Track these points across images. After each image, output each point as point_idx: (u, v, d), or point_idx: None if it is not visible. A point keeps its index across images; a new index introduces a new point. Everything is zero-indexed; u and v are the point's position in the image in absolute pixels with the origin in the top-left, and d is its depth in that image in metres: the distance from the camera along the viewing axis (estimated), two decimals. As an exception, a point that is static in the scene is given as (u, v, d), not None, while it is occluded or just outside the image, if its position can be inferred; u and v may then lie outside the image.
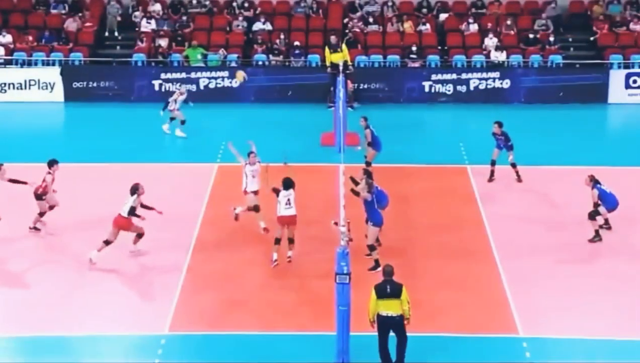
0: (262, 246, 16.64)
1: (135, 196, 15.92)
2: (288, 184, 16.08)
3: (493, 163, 20.04)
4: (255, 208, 17.12)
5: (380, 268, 15.42)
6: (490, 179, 20.01)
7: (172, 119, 23.56)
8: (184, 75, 27.05)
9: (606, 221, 17.34)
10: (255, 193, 17.22)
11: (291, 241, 16.08)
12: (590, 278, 15.45)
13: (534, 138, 23.43)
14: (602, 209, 17.21)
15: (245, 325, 14.19)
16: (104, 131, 24.29)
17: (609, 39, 28.34)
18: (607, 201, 17.20)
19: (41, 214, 17.31)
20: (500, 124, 19.90)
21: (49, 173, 17.16)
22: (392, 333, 12.67)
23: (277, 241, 15.97)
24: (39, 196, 17.12)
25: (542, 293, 15.10)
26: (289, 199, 15.92)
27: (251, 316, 14.46)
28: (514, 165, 19.82)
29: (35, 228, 17.32)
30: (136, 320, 14.33)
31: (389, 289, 12.47)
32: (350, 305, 12.62)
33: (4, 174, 16.95)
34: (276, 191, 16.07)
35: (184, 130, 23.31)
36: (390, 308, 12.42)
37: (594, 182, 17.37)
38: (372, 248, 15.85)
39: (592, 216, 17.23)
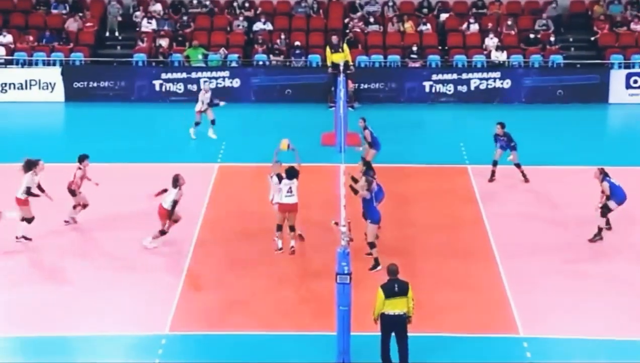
0: (263, 246, 16.62)
1: (177, 189, 16.20)
2: (292, 173, 16.14)
3: (495, 163, 20.00)
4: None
5: (380, 267, 15.50)
6: (491, 180, 20.00)
7: (197, 124, 22.90)
8: (184, 75, 27.06)
9: (607, 221, 17.27)
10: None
11: (292, 228, 16.09)
12: (590, 278, 15.44)
13: (535, 138, 23.41)
14: (611, 203, 16.91)
15: (245, 325, 14.18)
16: (104, 131, 24.30)
17: (609, 39, 28.33)
18: (616, 194, 16.94)
19: (75, 207, 17.56)
20: (502, 125, 19.84)
21: (79, 168, 17.40)
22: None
23: (279, 227, 16.10)
24: (72, 192, 17.35)
25: (543, 293, 15.09)
26: (290, 188, 16.03)
27: (252, 316, 14.46)
28: (518, 165, 19.71)
29: (72, 220, 17.58)
30: (137, 320, 14.32)
31: (397, 288, 12.47)
32: (351, 305, 12.63)
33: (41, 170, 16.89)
34: (279, 177, 16.15)
35: (216, 131, 22.98)
36: (396, 306, 12.43)
37: (604, 175, 17.11)
38: (372, 245, 15.86)
39: (604, 212, 16.92)
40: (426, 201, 19.09)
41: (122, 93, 27.00)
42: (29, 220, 16.70)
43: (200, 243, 17.08)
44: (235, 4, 29.80)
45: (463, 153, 22.13)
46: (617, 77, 26.79)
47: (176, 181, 16.24)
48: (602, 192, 17.07)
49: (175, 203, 16.18)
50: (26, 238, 16.81)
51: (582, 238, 17.01)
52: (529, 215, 18.31)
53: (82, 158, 17.53)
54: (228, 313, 14.58)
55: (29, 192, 16.49)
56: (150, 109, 26.50)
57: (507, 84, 26.80)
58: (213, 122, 22.80)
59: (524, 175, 19.77)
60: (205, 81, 24.05)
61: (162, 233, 16.41)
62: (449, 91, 26.86)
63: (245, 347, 13.56)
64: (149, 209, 18.23)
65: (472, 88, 26.86)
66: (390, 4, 29.66)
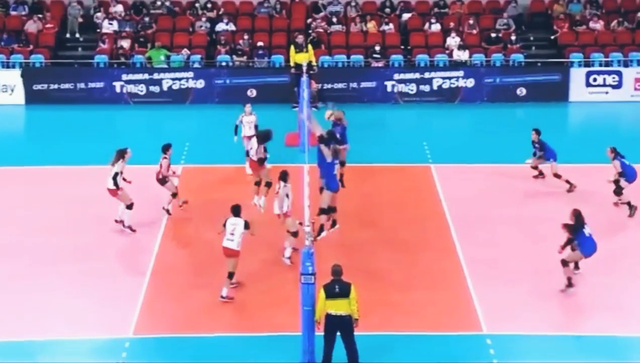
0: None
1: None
2: (237, 211, 14.75)
3: (534, 168, 19.96)
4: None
5: (324, 233, 16.05)
6: (537, 176, 19.99)
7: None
8: (146, 76, 26.88)
9: (629, 205, 17.96)
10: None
11: (230, 275, 14.64)
12: (553, 274, 15.57)
13: (497, 136, 23.63)
14: (623, 182, 17.83)
15: (209, 327, 14.13)
16: (65, 134, 24.07)
17: (569, 38, 28.64)
18: (628, 173, 17.90)
19: (173, 195, 17.94)
20: (537, 132, 19.75)
21: (165, 157, 17.73)
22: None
23: (230, 275, 14.68)
24: (162, 181, 17.78)
25: (506, 290, 15.21)
26: (234, 230, 14.56)
27: (216, 318, 14.41)
28: (556, 176, 19.43)
29: (178, 205, 18.03)
30: (100, 323, 14.22)
31: (337, 288, 12.45)
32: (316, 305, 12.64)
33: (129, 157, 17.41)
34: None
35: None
36: (339, 307, 12.41)
37: (615, 153, 18.00)
38: (324, 211, 16.16)
39: (618, 192, 17.87)
40: (390, 200, 19.15)
41: (83, 95, 26.72)
42: (130, 206, 17.12)
43: (164, 245, 17.00)
44: (197, 4, 29.67)
45: (426, 152, 22.24)
46: (577, 75, 27.09)
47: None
48: (615, 169, 17.99)
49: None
50: (132, 229, 17.21)
51: (545, 234, 17.16)
52: (492, 213, 18.43)
53: (165, 148, 17.83)
54: (192, 315, 14.51)
55: (115, 178, 16.95)
56: (112, 111, 26.30)
57: (469, 83, 26.98)
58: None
59: (568, 183, 19.34)
60: (247, 103, 20.95)
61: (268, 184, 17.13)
62: (412, 90, 26.98)
63: (210, 349, 13.52)
64: (111, 210, 18.11)
65: (435, 87, 26.99)
66: (353, 4, 29.72)
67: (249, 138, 19.85)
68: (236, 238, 14.56)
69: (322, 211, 16.21)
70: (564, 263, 15.07)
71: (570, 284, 15.06)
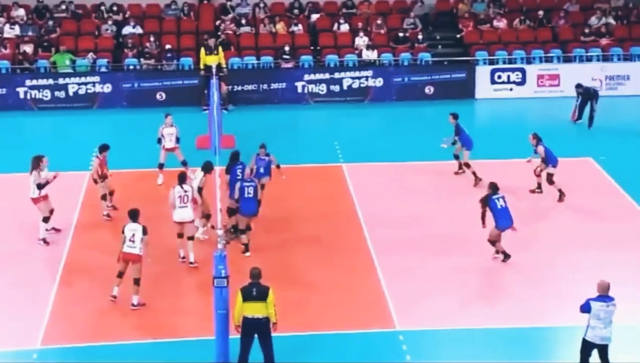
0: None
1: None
2: (135, 215, 14.59)
3: (455, 157, 20.14)
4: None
5: (249, 253, 16.11)
6: (457, 172, 20.23)
7: (161, 166, 19.75)
8: (51, 81, 26.28)
9: (539, 185, 18.82)
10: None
11: (136, 282, 14.42)
12: (466, 268, 15.86)
13: (407, 135, 23.94)
14: (550, 168, 18.38)
15: (119, 335, 13.90)
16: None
17: (474, 36, 29.25)
18: (551, 158, 18.48)
19: (103, 197, 17.97)
20: (453, 116, 20.00)
21: (97, 157, 17.86)
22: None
23: (120, 274, 14.58)
24: (96, 181, 17.87)
25: (418, 286, 15.41)
26: (134, 235, 14.40)
27: (127, 326, 14.18)
28: (466, 165, 19.71)
29: (113, 207, 18.10)
30: (8, 335, 13.82)
31: (255, 292, 12.41)
32: (229, 308, 12.58)
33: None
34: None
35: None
36: (256, 310, 12.37)
37: (537, 140, 18.50)
38: (236, 229, 16.45)
39: (550, 180, 18.42)
40: (303, 200, 19.20)
41: (-15, 102, 25.98)
42: (47, 219, 16.81)
43: (73, 251, 16.67)
44: (102, 7, 29.14)
45: (337, 152, 22.37)
46: (482, 73, 27.67)
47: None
48: (539, 156, 18.50)
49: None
50: (45, 241, 16.82)
51: (453, 230, 17.47)
52: (402, 211, 18.64)
53: (102, 149, 17.90)
54: (102, 323, 14.25)
55: (40, 187, 16.63)
56: (16, 118, 25.62)
57: (378, 82, 27.25)
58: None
59: (475, 175, 19.57)
60: (167, 114, 20.01)
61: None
62: (322, 90, 27.11)
63: (121, 356, 13.29)
64: (22, 218, 17.67)
65: (345, 87, 27.18)
66: (262, 5, 29.68)
67: (169, 150, 19.72)
68: (137, 244, 14.39)
69: (235, 229, 16.62)
70: (492, 243, 15.74)
71: (506, 254, 15.75)
